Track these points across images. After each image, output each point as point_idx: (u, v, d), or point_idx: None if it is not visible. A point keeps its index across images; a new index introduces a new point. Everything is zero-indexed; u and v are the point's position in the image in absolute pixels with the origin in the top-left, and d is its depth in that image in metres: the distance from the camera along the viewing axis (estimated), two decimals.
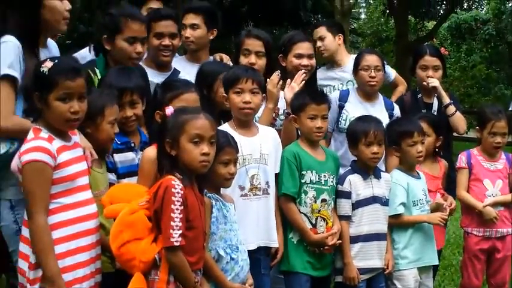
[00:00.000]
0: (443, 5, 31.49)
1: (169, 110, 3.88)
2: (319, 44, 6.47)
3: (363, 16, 43.37)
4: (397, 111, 6.05)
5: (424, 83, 6.25)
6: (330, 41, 6.52)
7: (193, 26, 5.87)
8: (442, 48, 38.60)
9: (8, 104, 4.03)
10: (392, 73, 6.82)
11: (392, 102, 6.17)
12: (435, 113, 6.28)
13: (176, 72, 5.51)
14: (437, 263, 5.62)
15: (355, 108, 5.83)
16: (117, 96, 4.36)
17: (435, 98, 6.34)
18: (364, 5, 43.13)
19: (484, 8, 39.94)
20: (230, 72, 4.89)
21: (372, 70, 5.86)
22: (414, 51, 6.81)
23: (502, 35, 37.04)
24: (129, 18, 4.87)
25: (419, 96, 6.40)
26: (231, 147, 4.30)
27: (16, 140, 4.02)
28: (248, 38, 5.71)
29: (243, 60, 5.61)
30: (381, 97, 6.07)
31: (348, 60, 6.49)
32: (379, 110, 5.89)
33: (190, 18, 5.90)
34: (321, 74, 6.51)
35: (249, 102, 4.71)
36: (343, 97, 5.93)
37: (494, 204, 5.92)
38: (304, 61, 5.78)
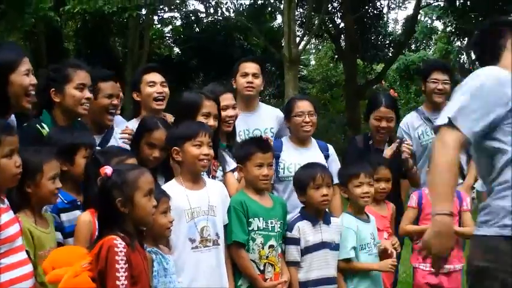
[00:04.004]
0: (391, 48, 31.85)
1: (108, 170, 3.88)
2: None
3: (312, 62, 43.78)
4: (332, 152, 6.17)
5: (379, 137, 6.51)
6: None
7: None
8: (392, 90, 39.06)
9: None
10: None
11: (325, 143, 6.27)
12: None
13: (110, 131, 5.55)
14: None
15: (291, 156, 5.93)
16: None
17: (386, 145, 6.54)
18: (313, 51, 43.59)
19: (432, 49, 40.56)
20: (187, 126, 4.93)
21: (306, 115, 5.95)
22: (370, 101, 6.93)
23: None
24: (76, 68, 5.02)
25: (370, 142, 6.59)
26: (166, 195, 4.40)
27: None
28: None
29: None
30: (313, 140, 6.16)
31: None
32: (314, 153, 6.01)
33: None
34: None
35: (208, 155, 4.81)
36: (278, 147, 5.96)
37: None
38: (230, 112, 5.77)
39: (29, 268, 3.91)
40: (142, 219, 3.91)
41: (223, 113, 5.62)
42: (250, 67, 6.37)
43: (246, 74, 6.30)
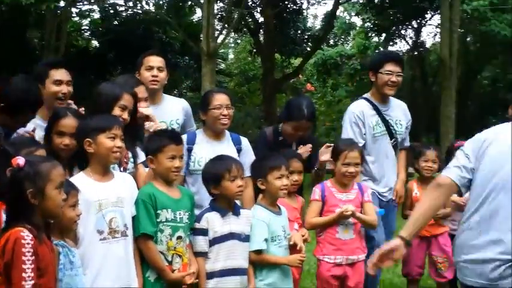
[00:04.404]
0: (309, 43, 32.11)
1: (21, 161, 3.85)
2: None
3: (231, 56, 43.81)
4: (245, 144, 6.24)
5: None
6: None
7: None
8: (308, 84, 39.49)
9: None
10: None
11: (239, 136, 6.30)
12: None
13: None
14: None
15: (203, 149, 5.98)
16: None
17: (294, 144, 6.73)
18: (232, 45, 43.64)
19: (350, 44, 41.00)
20: (101, 118, 4.95)
21: (224, 109, 6.00)
22: (292, 110, 6.81)
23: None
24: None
25: (280, 138, 6.73)
26: (75, 189, 4.43)
27: None
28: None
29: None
30: (227, 133, 6.20)
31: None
32: (226, 147, 6.07)
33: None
34: None
35: (120, 147, 4.87)
36: (191, 140, 6.02)
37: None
38: (142, 104, 5.83)
39: None
40: (51, 211, 3.92)
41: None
42: (155, 61, 6.45)
43: (150, 68, 6.38)
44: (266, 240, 5.52)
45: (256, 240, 5.47)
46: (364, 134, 6.96)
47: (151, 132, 5.52)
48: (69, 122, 5.16)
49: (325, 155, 6.55)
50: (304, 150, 6.63)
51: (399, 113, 7.23)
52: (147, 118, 5.82)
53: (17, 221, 3.80)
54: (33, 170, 3.86)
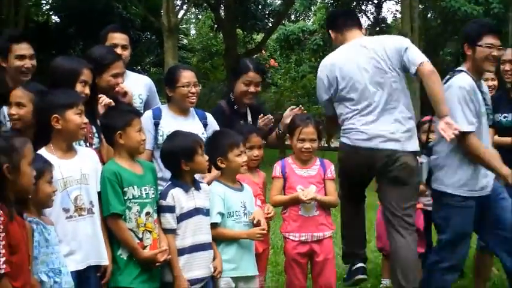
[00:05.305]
0: (270, 18, 32.10)
1: None
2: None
3: (192, 32, 43.68)
4: (210, 120, 6.22)
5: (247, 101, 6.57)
6: None
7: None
8: (272, 60, 39.56)
9: None
10: None
11: (203, 112, 6.28)
12: (251, 122, 6.63)
13: None
14: (254, 273, 5.67)
15: (169, 124, 5.90)
16: None
17: (247, 108, 6.68)
18: (194, 20, 43.49)
19: (311, 19, 41.05)
20: (67, 94, 4.89)
21: (192, 86, 5.97)
22: (238, 66, 6.96)
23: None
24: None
25: (235, 107, 6.64)
26: (50, 164, 4.39)
27: None
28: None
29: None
30: (192, 110, 6.16)
31: None
32: (192, 122, 6.05)
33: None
34: None
35: (86, 123, 4.86)
36: (156, 115, 5.99)
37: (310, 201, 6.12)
38: (119, 80, 5.80)
39: None
40: (25, 187, 3.89)
41: (113, 80, 5.68)
42: (119, 38, 6.39)
43: (115, 46, 6.27)
44: (222, 214, 5.50)
45: (211, 214, 5.44)
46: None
47: (104, 106, 5.47)
48: (18, 93, 5.12)
49: (288, 118, 6.56)
50: (266, 122, 6.61)
51: (486, 89, 6.55)
52: (125, 94, 5.82)
53: None
54: (8, 145, 3.82)
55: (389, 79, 6.07)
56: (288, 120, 6.53)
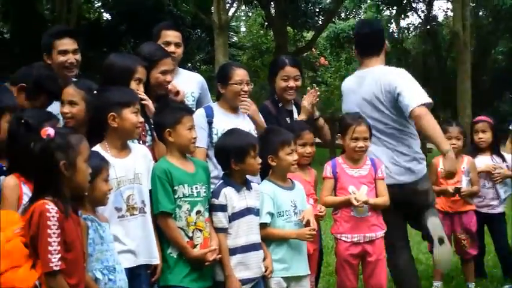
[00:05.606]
0: (320, 16, 31.98)
1: (51, 131, 3.79)
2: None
3: (243, 29, 43.71)
4: (261, 119, 6.19)
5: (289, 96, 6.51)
6: None
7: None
8: (322, 58, 39.44)
9: None
10: None
11: None
12: (296, 120, 6.55)
13: None
14: (305, 273, 5.61)
15: (222, 122, 5.87)
16: None
17: (293, 106, 6.62)
18: (244, 18, 43.51)
19: (361, 17, 40.86)
20: (123, 92, 4.92)
21: (245, 84, 5.95)
22: (273, 62, 7.03)
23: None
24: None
25: (280, 105, 6.57)
26: (107, 162, 4.42)
27: None
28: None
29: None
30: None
31: None
32: (243, 120, 6.02)
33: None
34: None
35: (142, 122, 4.88)
36: (209, 113, 5.94)
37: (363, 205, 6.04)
38: (168, 77, 5.74)
39: None
40: (80, 184, 3.90)
41: (162, 77, 5.63)
42: (172, 36, 6.35)
43: (168, 43, 6.25)
44: (272, 214, 5.46)
45: (261, 214, 5.41)
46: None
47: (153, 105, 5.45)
48: (70, 91, 5.16)
49: (307, 99, 6.56)
50: (309, 99, 6.57)
51: None
52: (177, 93, 5.81)
53: (43, 194, 3.75)
54: (65, 142, 3.83)
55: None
56: (307, 105, 6.53)
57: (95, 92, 5.01)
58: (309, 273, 5.69)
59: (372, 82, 6.36)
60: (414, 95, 6.13)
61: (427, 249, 7.89)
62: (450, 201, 7.51)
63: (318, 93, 6.66)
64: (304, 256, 5.63)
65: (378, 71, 6.47)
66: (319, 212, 5.86)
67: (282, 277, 5.43)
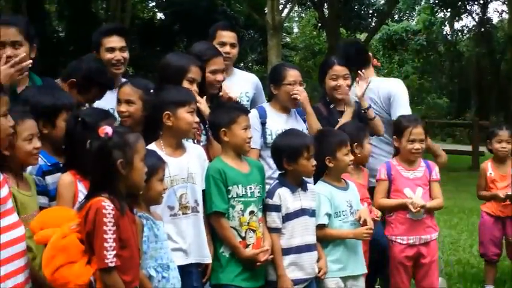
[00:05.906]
0: (374, 17, 31.87)
1: (109, 130, 3.80)
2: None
3: (295, 30, 43.73)
4: None
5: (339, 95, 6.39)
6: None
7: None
8: (375, 60, 39.17)
9: None
10: None
11: (301, 109, 6.13)
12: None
13: None
14: (362, 272, 5.60)
15: (275, 122, 5.88)
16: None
17: (345, 106, 6.49)
18: (296, 19, 43.52)
19: (415, 19, 40.64)
20: (179, 91, 4.95)
21: (297, 85, 5.93)
22: (322, 63, 6.98)
23: (433, 45, 37.69)
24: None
25: (332, 106, 6.51)
26: (164, 162, 4.44)
27: None
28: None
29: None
30: None
31: None
32: (295, 120, 6.02)
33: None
34: None
35: (197, 122, 4.93)
36: (262, 114, 5.93)
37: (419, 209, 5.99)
38: (218, 76, 5.71)
39: (21, 231, 3.83)
40: (136, 183, 3.92)
41: (212, 77, 5.61)
42: (228, 36, 6.34)
43: (223, 44, 6.24)
44: (329, 215, 5.44)
45: (319, 214, 5.40)
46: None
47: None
48: (126, 90, 5.17)
49: (358, 88, 6.38)
50: (361, 85, 6.39)
51: None
52: (230, 99, 5.76)
53: (99, 191, 3.77)
54: (123, 140, 3.84)
55: None
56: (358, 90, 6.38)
57: (152, 91, 5.04)
58: (366, 271, 5.67)
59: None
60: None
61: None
62: (501, 205, 7.41)
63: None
64: (360, 255, 5.61)
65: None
66: (376, 217, 5.81)
67: (339, 277, 5.43)
